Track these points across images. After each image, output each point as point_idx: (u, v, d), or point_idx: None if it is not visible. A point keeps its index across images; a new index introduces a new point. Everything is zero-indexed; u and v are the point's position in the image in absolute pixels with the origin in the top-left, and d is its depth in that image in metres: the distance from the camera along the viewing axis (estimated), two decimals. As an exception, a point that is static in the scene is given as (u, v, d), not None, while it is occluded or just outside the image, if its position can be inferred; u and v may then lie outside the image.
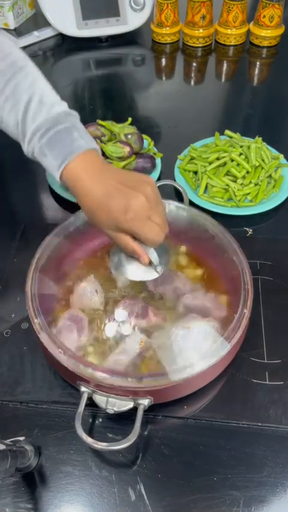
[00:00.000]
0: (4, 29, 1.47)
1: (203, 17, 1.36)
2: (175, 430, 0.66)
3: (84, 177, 0.63)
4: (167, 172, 1.02)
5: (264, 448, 0.64)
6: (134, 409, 0.61)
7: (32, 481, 0.62)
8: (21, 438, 0.62)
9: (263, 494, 0.60)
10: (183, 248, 0.85)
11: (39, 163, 0.68)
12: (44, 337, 0.66)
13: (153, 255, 0.68)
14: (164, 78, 1.41)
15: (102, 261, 0.84)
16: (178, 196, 0.96)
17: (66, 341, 0.70)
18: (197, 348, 0.69)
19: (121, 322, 0.71)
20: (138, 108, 1.28)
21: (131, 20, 1.40)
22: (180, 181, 0.97)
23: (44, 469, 0.63)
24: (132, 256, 0.68)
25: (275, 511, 0.59)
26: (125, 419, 0.64)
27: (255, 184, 0.94)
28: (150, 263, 0.68)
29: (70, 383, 0.68)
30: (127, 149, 0.95)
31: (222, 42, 1.43)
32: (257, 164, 0.95)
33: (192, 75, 1.41)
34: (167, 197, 0.97)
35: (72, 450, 0.64)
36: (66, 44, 1.47)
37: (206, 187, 0.96)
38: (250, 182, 0.94)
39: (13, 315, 0.78)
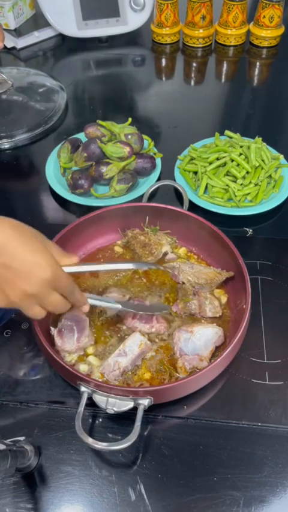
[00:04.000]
0: (4, 30, 1.48)
1: (203, 18, 1.36)
2: (175, 430, 0.66)
3: None
4: (167, 172, 1.02)
5: (264, 448, 0.64)
6: (134, 409, 0.61)
7: (32, 481, 0.62)
8: (21, 438, 0.62)
9: (263, 494, 0.60)
10: (183, 250, 0.85)
11: None
12: (44, 338, 0.66)
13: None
14: (164, 78, 1.41)
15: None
16: (178, 196, 0.96)
17: (66, 341, 0.70)
18: (199, 352, 0.69)
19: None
20: (139, 109, 1.28)
21: (131, 20, 1.41)
22: (180, 182, 0.97)
23: (44, 469, 0.63)
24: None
25: (275, 511, 0.59)
26: (125, 419, 0.64)
27: (255, 185, 0.94)
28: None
29: (70, 383, 0.68)
30: (127, 149, 0.95)
31: (222, 43, 1.43)
32: (257, 164, 0.95)
33: (192, 75, 1.41)
34: (167, 197, 0.97)
35: (72, 450, 0.64)
36: (66, 44, 1.47)
37: (206, 187, 0.96)
38: (250, 182, 0.94)
39: (13, 315, 0.78)
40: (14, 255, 0.52)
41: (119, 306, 0.70)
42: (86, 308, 0.65)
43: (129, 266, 0.74)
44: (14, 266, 0.52)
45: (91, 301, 0.66)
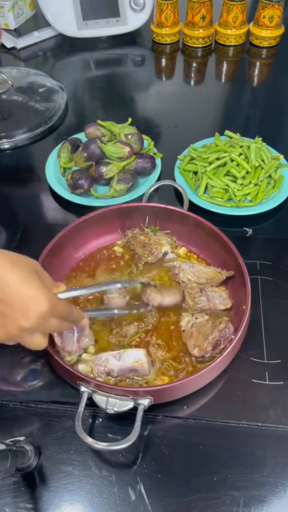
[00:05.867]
0: (4, 30, 1.48)
1: (203, 18, 1.36)
2: (175, 430, 0.66)
3: None
4: (167, 172, 1.02)
5: (264, 448, 0.64)
6: (134, 409, 0.61)
7: (32, 481, 0.62)
8: (21, 438, 0.62)
9: (263, 494, 0.60)
10: (183, 250, 0.85)
11: None
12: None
13: None
14: (164, 78, 1.41)
15: (103, 263, 0.84)
16: (178, 196, 0.96)
17: (66, 341, 0.70)
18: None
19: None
20: (138, 109, 1.28)
21: (131, 20, 1.41)
22: (180, 182, 0.97)
23: (44, 469, 0.63)
24: None
25: (275, 511, 0.59)
26: (125, 419, 0.64)
27: (255, 185, 0.94)
28: None
29: (70, 383, 0.68)
30: (127, 149, 0.95)
31: (222, 43, 1.43)
32: (257, 164, 0.95)
33: (192, 75, 1.41)
34: (167, 197, 0.97)
35: (72, 450, 0.64)
36: (66, 45, 1.47)
37: (206, 187, 0.96)
38: (250, 182, 0.94)
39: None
40: (11, 292, 0.52)
41: (115, 311, 0.71)
42: (85, 321, 0.65)
43: (117, 286, 0.73)
44: (11, 302, 0.52)
45: (88, 314, 0.67)
